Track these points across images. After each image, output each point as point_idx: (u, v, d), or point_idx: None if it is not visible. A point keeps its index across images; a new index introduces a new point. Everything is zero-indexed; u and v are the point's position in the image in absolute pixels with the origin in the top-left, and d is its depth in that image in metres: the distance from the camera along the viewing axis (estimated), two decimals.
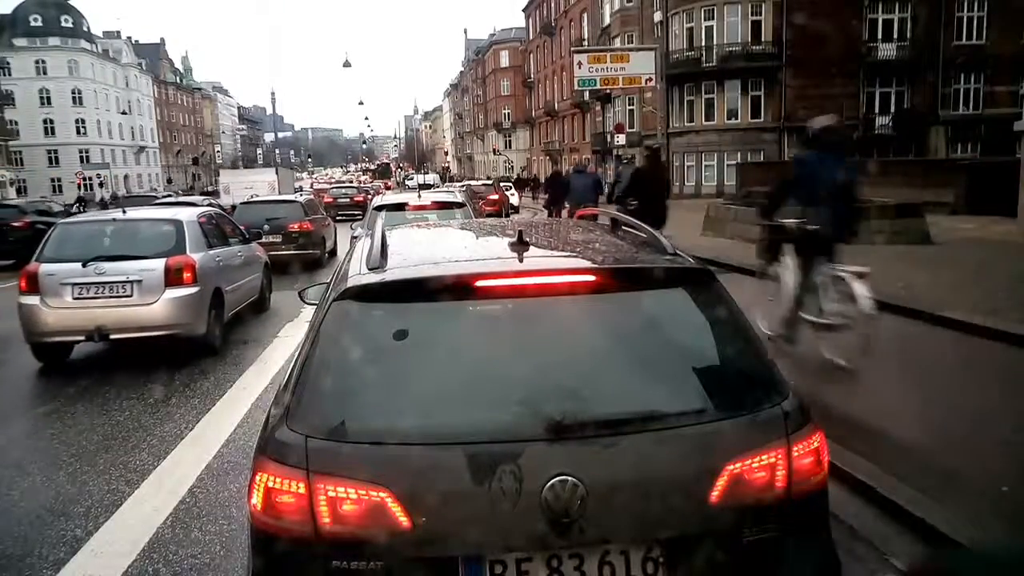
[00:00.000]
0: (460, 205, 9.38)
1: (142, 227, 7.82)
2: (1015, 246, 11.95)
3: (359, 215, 10.34)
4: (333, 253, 15.67)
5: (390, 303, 2.10)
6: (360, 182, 62.26)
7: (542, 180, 42.79)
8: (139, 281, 6.91)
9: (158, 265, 7.00)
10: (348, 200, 27.85)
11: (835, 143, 6.08)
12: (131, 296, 6.89)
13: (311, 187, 40.91)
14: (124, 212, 8.12)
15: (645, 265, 2.31)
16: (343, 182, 56.42)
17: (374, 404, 1.93)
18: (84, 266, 6.86)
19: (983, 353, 6.11)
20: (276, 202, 15.91)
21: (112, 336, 6.91)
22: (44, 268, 6.95)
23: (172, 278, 7.00)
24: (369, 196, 22.47)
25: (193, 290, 7.11)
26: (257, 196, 19.44)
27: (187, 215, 8.01)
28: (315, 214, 15.42)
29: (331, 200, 27.08)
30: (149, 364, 6.98)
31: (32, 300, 6.87)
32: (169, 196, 27.96)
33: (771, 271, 6.41)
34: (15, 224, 16.32)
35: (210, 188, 50.23)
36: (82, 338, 6.95)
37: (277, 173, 32.14)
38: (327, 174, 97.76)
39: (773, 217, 6.13)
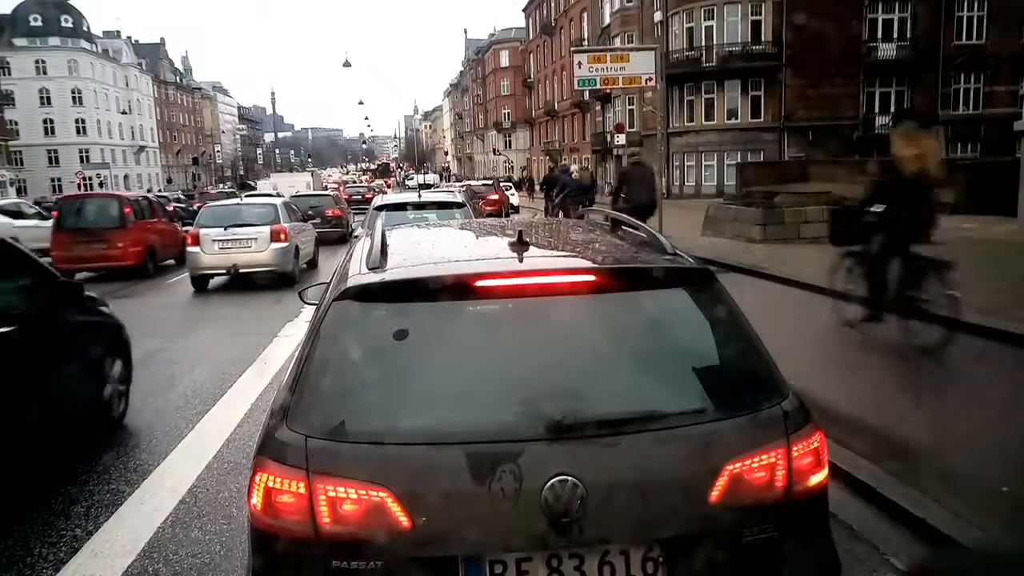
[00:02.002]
0: (460, 205, 9.52)
1: (254, 207, 12.99)
2: (1015, 246, 11.94)
3: (367, 208, 13.74)
4: (351, 234, 20.14)
5: (390, 303, 2.10)
6: (363, 182, 64.26)
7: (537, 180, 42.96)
8: (256, 239, 11.86)
9: (266, 229, 11.95)
10: (360, 197, 35.01)
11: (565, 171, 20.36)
12: (251, 247, 11.86)
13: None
14: (242, 199, 14.76)
15: (645, 265, 2.31)
16: (346, 183, 60.09)
17: (374, 404, 1.93)
18: (225, 229, 11.88)
19: (983, 353, 6.11)
20: (316, 195, 23.06)
21: (240, 271, 11.85)
22: (202, 230, 11.90)
23: (274, 237, 11.93)
24: (375, 194, 27.75)
25: (286, 244, 12.07)
26: (299, 192, 26.02)
27: (278, 201, 13.79)
28: (341, 204, 22.48)
29: (347, 197, 32.98)
30: (149, 361, 6.97)
31: (195, 250, 11.91)
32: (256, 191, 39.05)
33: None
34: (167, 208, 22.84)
35: (210, 189, 51.43)
36: (223, 272, 11.93)
37: (312, 176, 43.91)
38: (327, 174, 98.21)
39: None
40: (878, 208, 6.29)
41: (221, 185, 73.31)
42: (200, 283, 12.13)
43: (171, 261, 15.27)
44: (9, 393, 3.96)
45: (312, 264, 14.20)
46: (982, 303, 7.32)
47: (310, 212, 16.80)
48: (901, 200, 6.15)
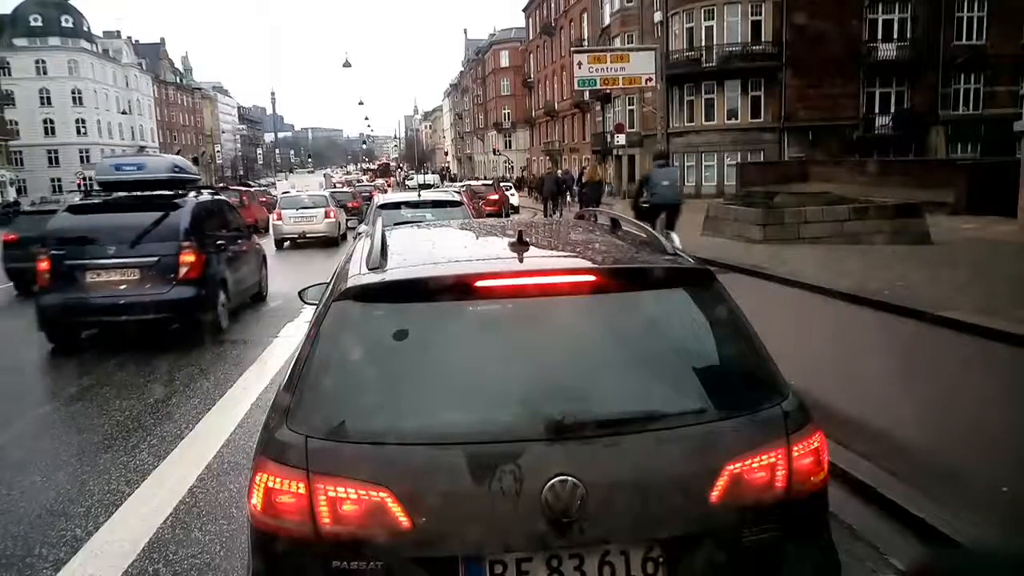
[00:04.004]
0: (457, 203, 9.93)
1: (313, 197, 20.91)
2: (1015, 246, 11.95)
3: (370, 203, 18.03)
4: (363, 222, 22.99)
5: (390, 303, 2.10)
6: (363, 182, 65.33)
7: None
8: (316, 215, 19.49)
9: (322, 210, 19.62)
10: (368, 194, 40.36)
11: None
12: (313, 221, 19.41)
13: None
14: (309, 192, 25.45)
15: (645, 265, 2.31)
16: (350, 183, 62.15)
17: (374, 404, 1.93)
18: (296, 210, 19.64)
19: (983, 353, 6.11)
20: (340, 191, 31.17)
21: (307, 236, 19.33)
22: (282, 211, 19.73)
23: (327, 215, 19.56)
24: (378, 191, 33.29)
25: (334, 220, 19.69)
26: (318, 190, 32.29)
27: (327, 193, 23.50)
28: (358, 198, 29.27)
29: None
30: (154, 358, 6.98)
31: (279, 222, 19.53)
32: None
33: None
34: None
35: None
36: (296, 236, 19.39)
37: (324, 176, 54.56)
38: (330, 175, 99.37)
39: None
40: (585, 189, 19.36)
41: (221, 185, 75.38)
42: (280, 244, 19.29)
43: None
44: (242, 273, 9.16)
45: (343, 237, 20.07)
46: (981, 304, 7.33)
47: (335, 204, 22.17)
48: (590, 187, 19.16)
